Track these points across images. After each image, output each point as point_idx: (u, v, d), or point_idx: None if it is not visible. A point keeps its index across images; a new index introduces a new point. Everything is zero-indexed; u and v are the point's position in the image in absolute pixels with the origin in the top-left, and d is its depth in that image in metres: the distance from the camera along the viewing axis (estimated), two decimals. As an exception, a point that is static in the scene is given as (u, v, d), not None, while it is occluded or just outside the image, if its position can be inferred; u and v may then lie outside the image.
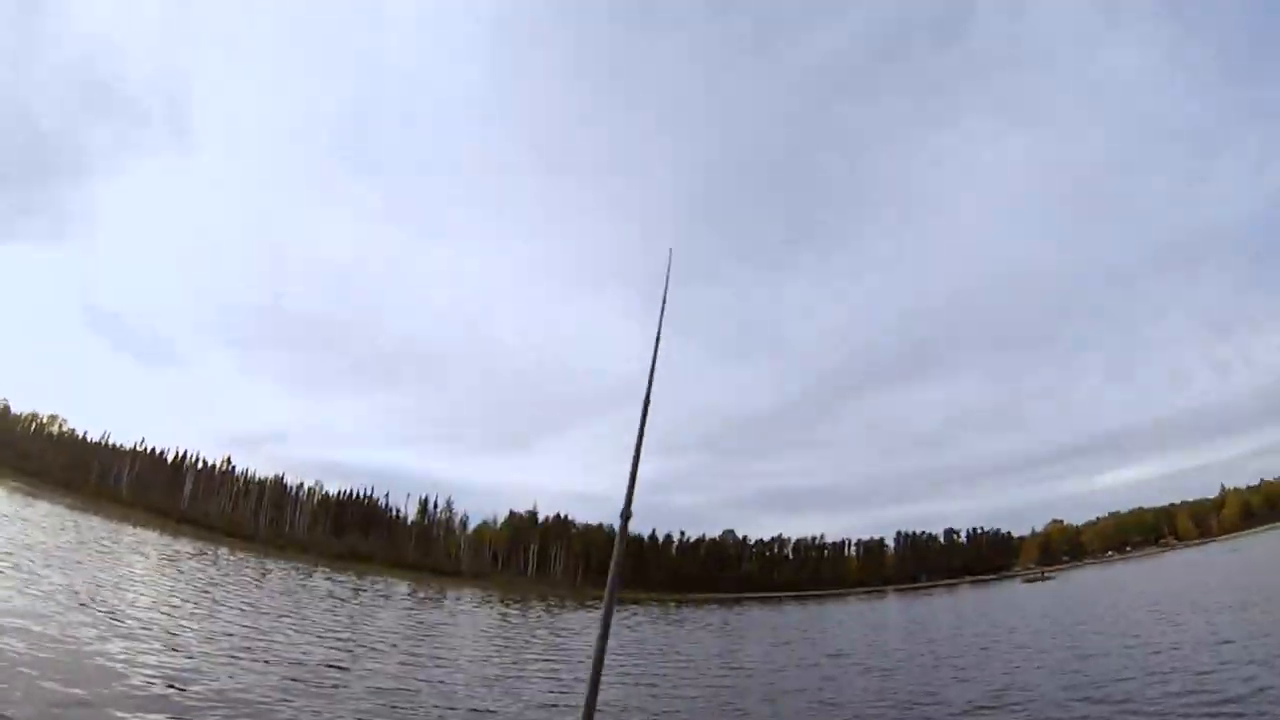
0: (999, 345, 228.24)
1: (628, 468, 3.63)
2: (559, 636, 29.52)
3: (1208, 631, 17.56)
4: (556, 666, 19.64)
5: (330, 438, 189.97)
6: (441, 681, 14.79)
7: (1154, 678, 12.56)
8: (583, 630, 33.26)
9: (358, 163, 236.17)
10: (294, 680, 11.96)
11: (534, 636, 29.14)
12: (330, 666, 14.34)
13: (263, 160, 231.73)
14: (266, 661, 13.65)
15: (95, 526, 46.30)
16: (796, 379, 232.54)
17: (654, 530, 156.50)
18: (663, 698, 15.22)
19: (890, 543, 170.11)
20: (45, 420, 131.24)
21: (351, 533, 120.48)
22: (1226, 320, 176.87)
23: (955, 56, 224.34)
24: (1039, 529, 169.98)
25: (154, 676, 10.27)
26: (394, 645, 19.75)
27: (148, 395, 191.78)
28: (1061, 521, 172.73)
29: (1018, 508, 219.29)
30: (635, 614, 51.53)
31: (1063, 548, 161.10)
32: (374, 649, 18.15)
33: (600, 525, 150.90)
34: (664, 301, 3.51)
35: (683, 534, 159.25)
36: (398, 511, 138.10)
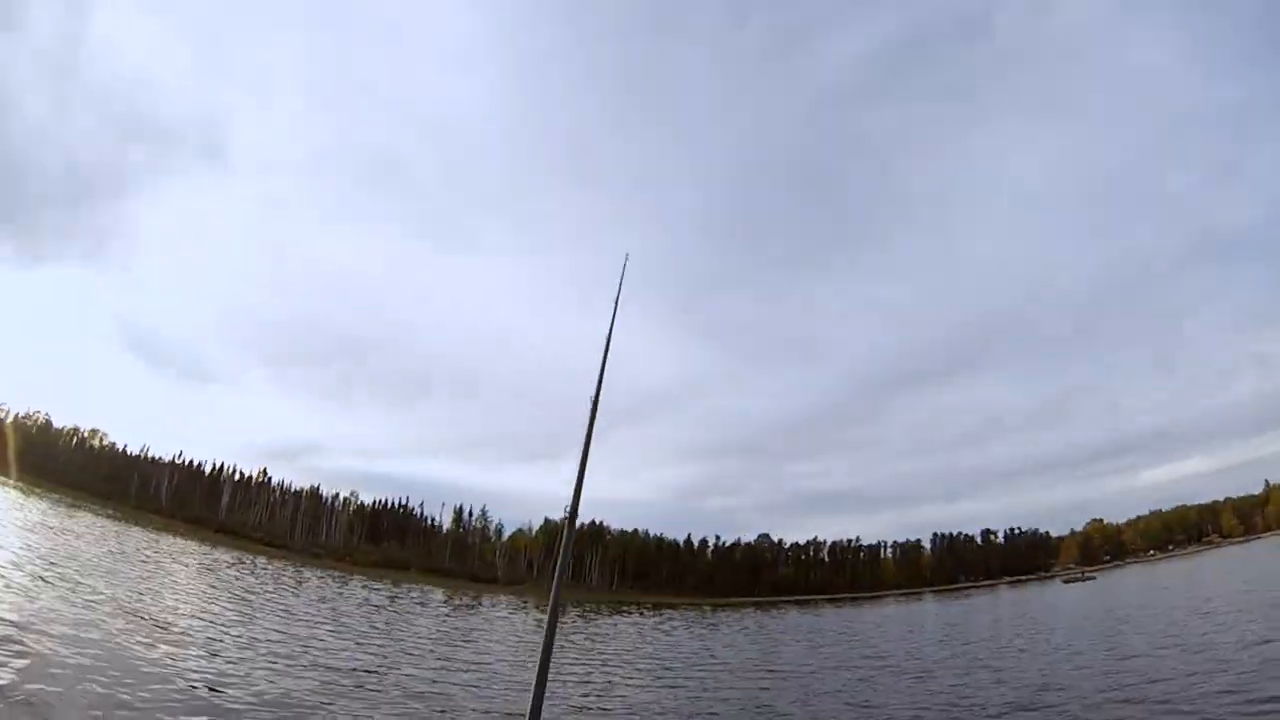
0: (1036, 344, 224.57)
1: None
2: (593, 642, 29.46)
3: (1250, 631, 17.04)
4: (590, 670, 19.60)
5: (365, 449, 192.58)
6: (475, 686, 14.81)
7: (1195, 678, 12.21)
8: (617, 635, 33.23)
9: (386, 182, 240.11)
10: (331, 684, 12.04)
11: (569, 641, 29.10)
12: (367, 671, 14.43)
13: (294, 181, 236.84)
14: (304, 666, 13.78)
15: (136, 537, 47.23)
16: (831, 382, 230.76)
17: (689, 535, 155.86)
18: (699, 700, 15.11)
19: (927, 544, 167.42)
20: (86, 434, 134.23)
21: (387, 541, 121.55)
22: (1268, 312, 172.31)
23: (980, 56, 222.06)
24: (1079, 528, 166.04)
25: (195, 680, 10.40)
26: (429, 650, 19.84)
27: (186, 410, 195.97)
28: (1102, 520, 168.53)
29: (1057, 507, 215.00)
30: (670, 619, 51.31)
31: (1104, 547, 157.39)
32: (409, 654, 18.24)
33: (635, 531, 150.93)
34: (616, 304, 3.48)
35: (718, 538, 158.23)
36: (433, 520, 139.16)
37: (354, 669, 14.35)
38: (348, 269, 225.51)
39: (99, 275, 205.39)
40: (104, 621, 13.64)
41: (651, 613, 60.51)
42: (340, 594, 39.32)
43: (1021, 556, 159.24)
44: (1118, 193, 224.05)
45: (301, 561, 77.79)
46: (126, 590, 19.53)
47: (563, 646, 26.48)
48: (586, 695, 15.10)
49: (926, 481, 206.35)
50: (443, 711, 11.43)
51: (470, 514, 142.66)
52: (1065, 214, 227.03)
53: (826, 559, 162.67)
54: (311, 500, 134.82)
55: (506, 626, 34.18)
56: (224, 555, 54.05)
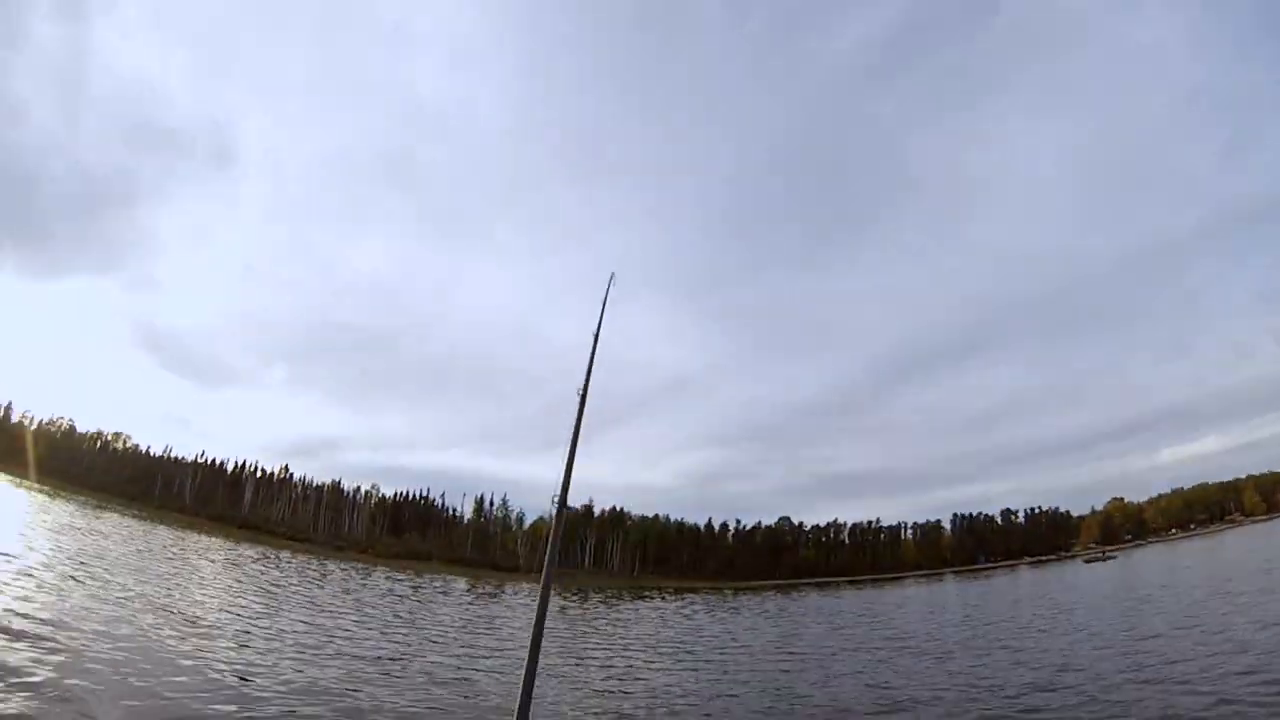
0: (1051, 323, 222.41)
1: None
2: (615, 627, 29.70)
3: (1271, 611, 16.95)
4: (611, 654, 19.82)
5: (385, 443, 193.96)
6: (498, 672, 15.01)
7: (1214, 659, 12.19)
8: (639, 619, 33.48)
9: (398, 182, 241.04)
10: (356, 672, 12.27)
11: (591, 627, 29.37)
12: (391, 659, 14.67)
13: (306, 184, 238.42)
14: (330, 655, 14.03)
15: (161, 535, 47.96)
16: (846, 366, 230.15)
17: (710, 519, 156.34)
18: (720, 682, 15.26)
19: (947, 525, 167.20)
20: (110, 437, 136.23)
21: (409, 532, 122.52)
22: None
23: (986, 37, 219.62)
24: (1099, 507, 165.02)
25: (225, 671, 10.64)
26: (453, 638, 20.11)
27: (207, 410, 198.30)
28: (1123, 499, 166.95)
29: (1077, 486, 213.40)
30: (692, 603, 51.54)
31: (1125, 526, 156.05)
32: (433, 642, 18.49)
33: (655, 516, 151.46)
34: (600, 317, 3.52)
35: (738, 522, 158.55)
36: (454, 510, 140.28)
37: (378, 657, 14.60)
38: (362, 266, 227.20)
39: (114, 283, 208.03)
40: (134, 617, 13.95)
41: (673, 597, 60.77)
42: (364, 585, 39.82)
43: (1042, 536, 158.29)
44: (1128, 171, 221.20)
45: (325, 554, 78.81)
46: (155, 586, 19.92)
47: (585, 632, 26.77)
48: (608, 679, 15.29)
49: (945, 463, 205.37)
50: (465, 697, 11.63)
51: (491, 504, 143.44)
52: (1076, 194, 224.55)
53: (847, 541, 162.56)
54: (333, 494, 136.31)
55: (529, 613, 34.43)
56: (248, 550, 54.79)
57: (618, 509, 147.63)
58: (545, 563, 2.04)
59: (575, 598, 54.13)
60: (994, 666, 15.10)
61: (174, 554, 34.22)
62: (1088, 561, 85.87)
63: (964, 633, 23.29)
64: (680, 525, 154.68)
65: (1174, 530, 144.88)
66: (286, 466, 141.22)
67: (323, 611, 22.42)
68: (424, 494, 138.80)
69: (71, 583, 16.46)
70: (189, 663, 10.71)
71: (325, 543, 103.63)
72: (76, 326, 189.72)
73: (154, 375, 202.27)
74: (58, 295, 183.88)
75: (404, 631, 20.07)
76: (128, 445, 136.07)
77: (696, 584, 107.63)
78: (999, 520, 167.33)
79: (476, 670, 14.74)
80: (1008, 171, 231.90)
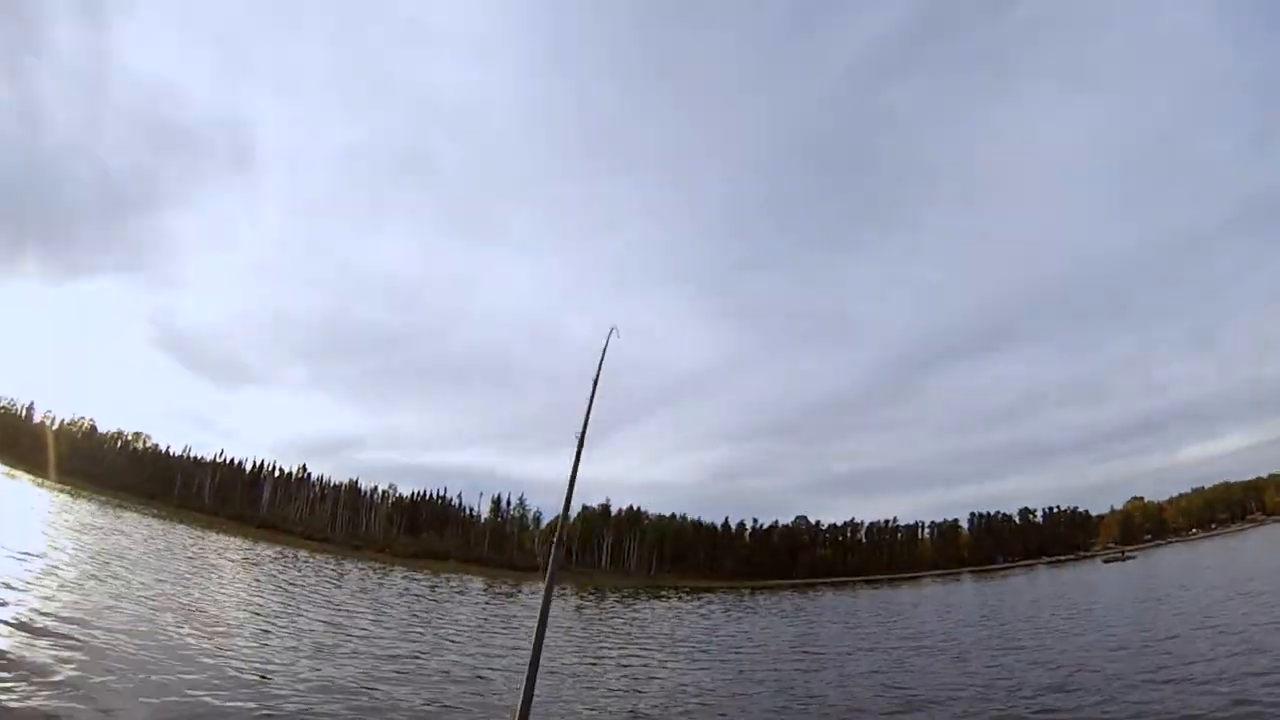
0: (1073, 318, 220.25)
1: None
2: (631, 626, 29.76)
3: None
4: (628, 653, 19.86)
5: (402, 441, 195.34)
6: (515, 670, 15.07)
7: (1234, 659, 12.05)
8: (655, 619, 33.51)
9: (415, 180, 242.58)
10: (373, 670, 12.37)
11: (607, 626, 29.44)
12: (408, 657, 14.78)
13: (324, 181, 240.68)
14: (347, 654, 14.16)
15: (181, 534, 48.52)
16: (864, 362, 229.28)
17: (726, 519, 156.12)
18: (736, 682, 15.26)
19: (964, 524, 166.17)
20: (130, 437, 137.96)
21: (426, 532, 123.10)
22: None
23: (1007, 24, 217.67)
24: (1119, 507, 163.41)
25: (244, 669, 10.76)
26: (469, 637, 20.23)
27: (226, 409, 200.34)
28: (1143, 498, 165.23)
29: (1096, 485, 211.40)
30: (709, 602, 51.51)
31: (1144, 525, 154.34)
32: (451, 640, 18.61)
33: (672, 515, 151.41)
34: (599, 369, 3.54)
35: (755, 520, 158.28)
36: (471, 510, 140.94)
37: (395, 656, 14.70)
38: (380, 264, 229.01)
39: (135, 283, 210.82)
40: (155, 615, 14.13)
41: (689, 596, 60.75)
42: (381, 584, 40.11)
43: (1060, 536, 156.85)
44: (1153, 161, 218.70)
45: (342, 554, 79.41)
46: (175, 585, 20.16)
47: (601, 631, 26.84)
48: (623, 678, 15.33)
49: (963, 461, 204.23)
50: (480, 695, 11.69)
51: (508, 503, 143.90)
52: (1099, 184, 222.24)
53: (864, 540, 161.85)
54: (351, 494, 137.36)
55: (544, 613, 34.64)
56: (266, 550, 55.30)
57: (635, 508, 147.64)
58: (547, 575, 2.04)
59: (592, 597, 54.21)
60: (1010, 666, 14.99)
61: (193, 553, 34.60)
62: (1106, 561, 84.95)
63: (980, 633, 23.14)
64: (697, 524, 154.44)
65: (1195, 530, 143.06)
66: (304, 466, 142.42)
67: (340, 611, 22.60)
68: (441, 493, 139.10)
69: (94, 581, 16.70)
70: (209, 660, 10.84)
71: (343, 542, 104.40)
72: (98, 327, 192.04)
73: (174, 375, 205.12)
74: (80, 296, 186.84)
75: (420, 631, 20.21)
76: (147, 445, 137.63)
77: (713, 583, 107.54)
78: (1017, 519, 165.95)
79: (492, 669, 14.81)
80: (1029, 162, 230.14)
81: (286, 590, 26.72)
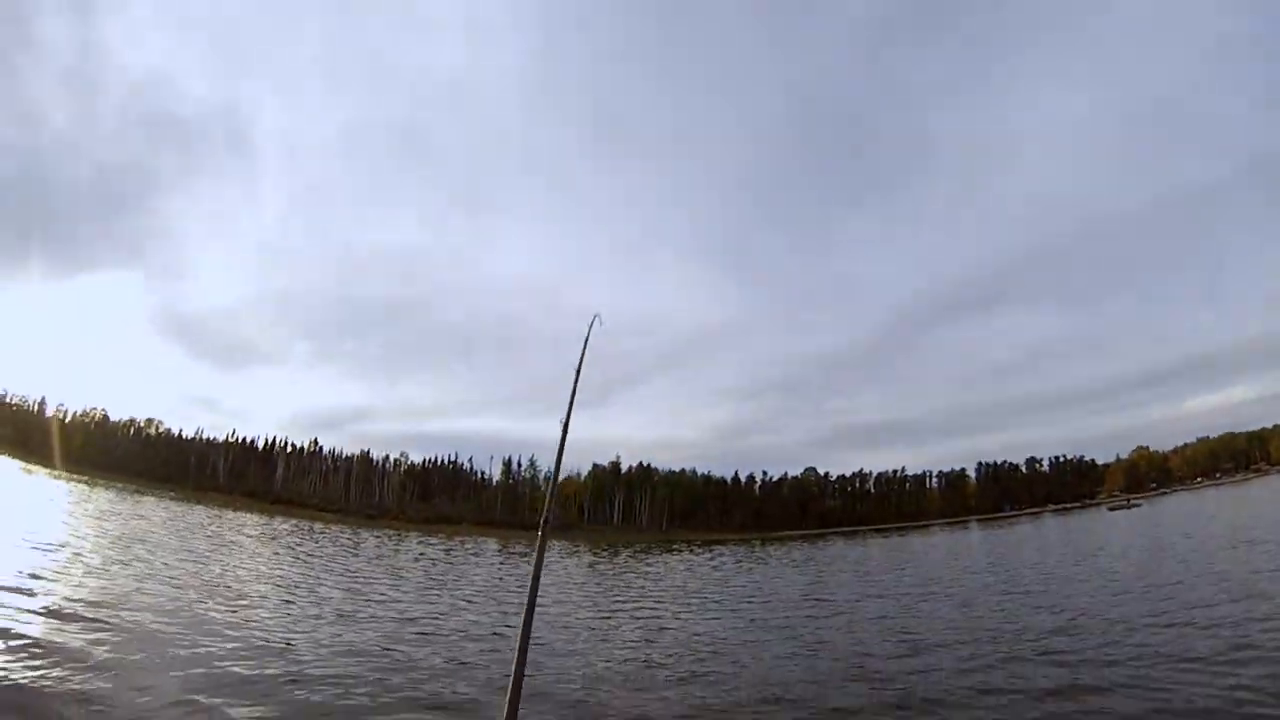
0: (1079, 270, 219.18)
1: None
2: (645, 580, 30.39)
3: None
4: (641, 606, 20.38)
5: (411, 411, 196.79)
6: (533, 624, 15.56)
7: (1236, 605, 12.38)
8: (668, 573, 34.17)
9: (416, 157, 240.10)
10: (393, 634, 12.81)
11: (620, 580, 30.08)
12: (427, 619, 15.25)
13: (323, 164, 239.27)
14: (367, 619, 14.63)
15: (199, 515, 49.36)
16: (868, 319, 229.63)
17: (736, 472, 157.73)
18: (748, 630, 15.71)
19: (972, 473, 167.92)
20: (143, 424, 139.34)
21: (439, 497, 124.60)
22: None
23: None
24: (1125, 456, 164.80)
25: (269, 637, 11.19)
26: (487, 597, 20.77)
27: (236, 391, 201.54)
28: (1148, 448, 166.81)
29: (1102, 435, 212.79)
30: (720, 555, 52.39)
31: (1150, 474, 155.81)
32: (467, 601, 19.11)
33: (683, 471, 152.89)
34: (581, 358, 3.66)
35: (765, 474, 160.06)
36: (482, 474, 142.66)
37: (414, 618, 15.17)
38: (382, 240, 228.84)
39: (138, 274, 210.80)
40: (180, 594, 14.59)
41: (701, 550, 61.68)
42: (396, 550, 40.90)
43: (1067, 485, 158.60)
44: (1161, 119, 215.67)
45: (357, 524, 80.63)
46: (197, 564, 20.69)
47: (614, 585, 27.45)
48: (636, 630, 15.79)
49: (970, 413, 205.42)
50: (498, 650, 12.12)
51: (519, 465, 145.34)
52: (1107, 142, 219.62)
53: (872, 490, 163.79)
54: (363, 464, 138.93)
55: (560, 570, 35.37)
56: (283, 524, 56.24)
57: (645, 465, 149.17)
58: (540, 532, 2.20)
59: (605, 553, 55.12)
60: (1015, 611, 15.40)
61: (212, 532, 35.29)
62: (1112, 509, 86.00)
63: (987, 579, 23.60)
64: (707, 479, 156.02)
65: (1199, 479, 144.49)
66: (316, 440, 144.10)
67: (358, 578, 23.18)
68: (452, 459, 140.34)
69: (118, 566, 17.16)
70: (234, 632, 11.26)
71: (357, 512, 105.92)
72: (103, 320, 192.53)
73: (181, 361, 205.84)
74: (83, 290, 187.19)
75: (437, 594, 20.73)
76: (160, 430, 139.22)
77: (724, 536, 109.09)
78: (1024, 469, 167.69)
79: (509, 627, 15.26)
80: (1035, 120, 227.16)
81: (305, 561, 27.35)
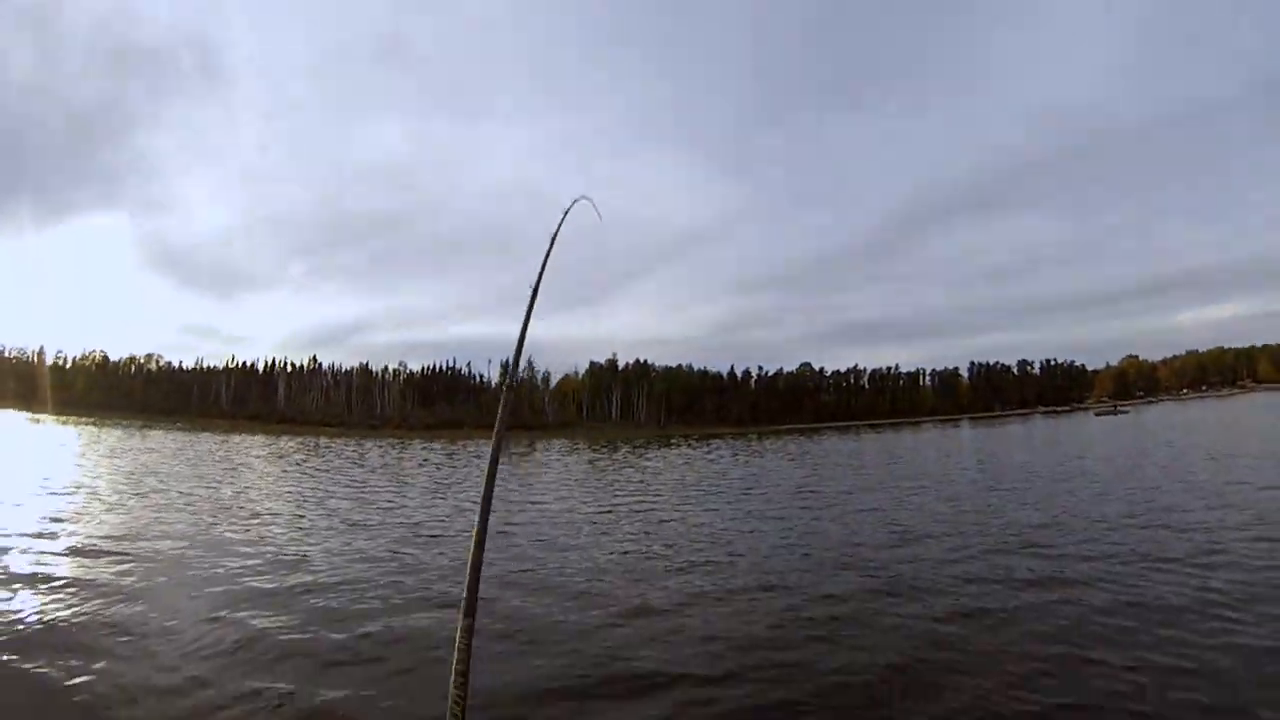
0: (1082, 180, 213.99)
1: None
2: (642, 474, 31.41)
3: (1273, 475, 17.58)
4: (639, 500, 21.29)
5: (408, 320, 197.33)
6: (534, 522, 16.38)
7: (1212, 513, 13.01)
8: (667, 468, 35.20)
9: (399, 64, 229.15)
10: (402, 538, 13.51)
11: (619, 475, 31.12)
12: (434, 522, 16.00)
13: (300, 80, 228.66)
14: (375, 525, 15.37)
15: (206, 442, 50.34)
16: (865, 217, 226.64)
17: (732, 367, 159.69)
18: (746, 521, 16.48)
19: (965, 373, 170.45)
20: (143, 360, 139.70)
21: (439, 404, 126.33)
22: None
23: None
24: (1115, 363, 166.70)
25: (282, 551, 11.85)
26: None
27: (231, 317, 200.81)
28: (1138, 357, 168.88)
29: (1094, 341, 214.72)
30: (717, 448, 53.69)
31: (1138, 383, 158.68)
32: (472, 503, 19.75)
33: (680, 366, 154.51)
34: (553, 239, 3.69)
35: (761, 369, 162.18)
36: (481, 377, 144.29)
37: (420, 522, 15.91)
38: (368, 153, 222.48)
39: (123, 214, 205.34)
40: (196, 519, 15.27)
41: (698, 444, 63.01)
42: (401, 458, 42.00)
43: (1057, 388, 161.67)
44: (1172, 32, 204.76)
45: (361, 435, 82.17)
46: (208, 489, 21.44)
47: (614, 480, 28.43)
48: (636, 523, 16.59)
49: (964, 314, 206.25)
50: (503, 549, 12.86)
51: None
52: (1113, 53, 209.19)
53: (866, 386, 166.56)
54: (363, 376, 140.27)
55: (560, 468, 36.53)
56: (289, 443, 57.37)
57: (642, 361, 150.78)
58: (495, 433, 2.43)
59: (604, 450, 56.51)
60: (1002, 507, 16.18)
61: (221, 457, 36.17)
62: (1099, 414, 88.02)
63: (976, 475, 24.57)
64: (704, 373, 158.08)
65: (1186, 390, 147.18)
66: (314, 357, 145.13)
67: (365, 488, 24.01)
68: (451, 364, 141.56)
69: (133, 500, 17.82)
70: (251, 549, 11.92)
71: (360, 424, 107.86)
72: (94, 262, 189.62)
73: (174, 294, 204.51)
74: (71, 235, 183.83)
75: (442, 497, 21.54)
76: (161, 365, 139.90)
77: (721, 431, 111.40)
78: (1015, 370, 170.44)
79: (513, 524, 16.05)
80: (1041, 20, 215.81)
81: (312, 476, 28.24)
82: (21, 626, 7.19)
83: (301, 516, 16.50)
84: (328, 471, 30.23)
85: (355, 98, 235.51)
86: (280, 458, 38.49)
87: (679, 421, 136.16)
